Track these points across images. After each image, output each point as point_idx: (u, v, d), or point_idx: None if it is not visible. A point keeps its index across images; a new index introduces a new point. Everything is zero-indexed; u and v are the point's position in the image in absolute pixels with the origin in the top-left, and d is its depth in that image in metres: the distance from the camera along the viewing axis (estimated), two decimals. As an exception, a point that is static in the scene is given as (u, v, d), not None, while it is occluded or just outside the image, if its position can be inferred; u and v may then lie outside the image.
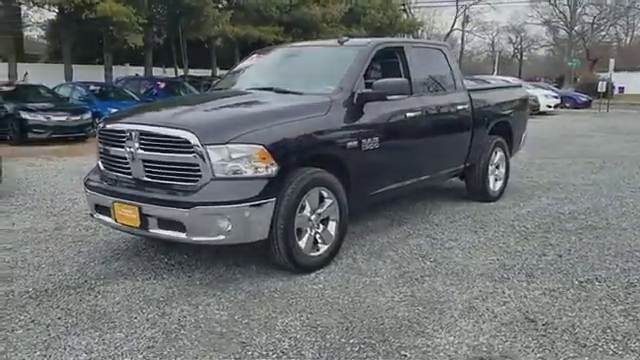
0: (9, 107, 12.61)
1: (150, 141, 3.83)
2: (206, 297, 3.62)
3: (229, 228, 3.60)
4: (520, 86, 8.16)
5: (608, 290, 3.72)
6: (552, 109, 23.98)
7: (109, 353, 2.91)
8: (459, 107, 5.73)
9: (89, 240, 4.88)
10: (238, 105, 4.55)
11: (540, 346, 2.96)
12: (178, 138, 3.69)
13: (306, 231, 3.99)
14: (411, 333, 3.12)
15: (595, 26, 52.82)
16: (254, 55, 5.95)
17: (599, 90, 27.26)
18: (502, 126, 6.46)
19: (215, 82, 8.70)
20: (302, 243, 3.94)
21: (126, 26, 19.02)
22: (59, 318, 3.32)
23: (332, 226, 4.18)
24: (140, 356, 2.88)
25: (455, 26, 55.03)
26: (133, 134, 3.91)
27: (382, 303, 3.51)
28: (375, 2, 33.01)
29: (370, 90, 4.57)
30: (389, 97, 4.69)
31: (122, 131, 4.03)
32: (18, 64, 20.81)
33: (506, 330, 3.15)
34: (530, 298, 3.59)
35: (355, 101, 4.47)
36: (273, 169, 3.70)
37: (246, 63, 5.90)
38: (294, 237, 3.85)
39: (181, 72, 27.06)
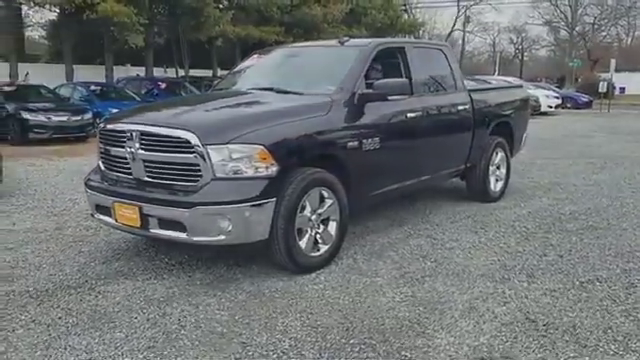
0: (10, 107, 12.62)
1: (151, 141, 3.83)
2: (207, 297, 3.62)
3: (230, 228, 3.60)
4: (521, 86, 8.15)
5: (609, 290, 3.72)
6: (553, 109, 23.98)
7: (109, 353, 2.91)
8: (460, 107, 5.73)
9: (90, 240, 4.89)
10: (239, 105, 4.55)
11: (541, 346, 2.96)
12: (179, 138, 3.69)
13: (306, 231, 3.99)
14: (412, 333, 3.11)
15: (596, 26, 52.82)
16: (255, 55, 5.96)
17: (600, 90, 27.28)
18: (503, 126, 6.45)
19: (216, 82, 8.71)
20: (302, 243, 3.94)
21: (127, 26, 19.04)
22: (60, 318, 3.32)
23: (332, 226, 4.17)
24: (140, 356, 2.88)
25: (456, 26, 55.09)
26: (134, 134, 3.91)
27: (383, 303, 3.51)
28: (376, 2, 33.02)
29: (371, 90, 4.57)
30: (390, 97, 4.69)
31: (123, 131, 4.03)
32: (19, 64, 20.82)
33: (507, 330, 3.14)
34: (531, 298, 3.59)
35: (356, 101, 4.47)
36: (273, 169, 3.70)
37: (247, 63, 5.91)
38: (294, 237, 3.85)
39: (182, 72, 27.08)
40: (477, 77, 12.74)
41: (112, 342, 3.02)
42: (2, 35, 21.06)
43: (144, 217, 3.78)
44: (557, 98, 25.41)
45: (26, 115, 12.31)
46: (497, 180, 6.42)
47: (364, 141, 4.41)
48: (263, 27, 25.72)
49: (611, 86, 29.85)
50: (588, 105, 29.33)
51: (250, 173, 3.66)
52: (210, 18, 22.09)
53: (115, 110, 9.88)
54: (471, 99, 5.89)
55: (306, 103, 4.38)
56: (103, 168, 4.31)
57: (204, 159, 3.60)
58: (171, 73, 27.12)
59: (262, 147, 3.67)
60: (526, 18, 59.17)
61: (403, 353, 2.90)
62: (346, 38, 5.45)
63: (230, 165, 3.63)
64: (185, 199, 3.65)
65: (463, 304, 3.50)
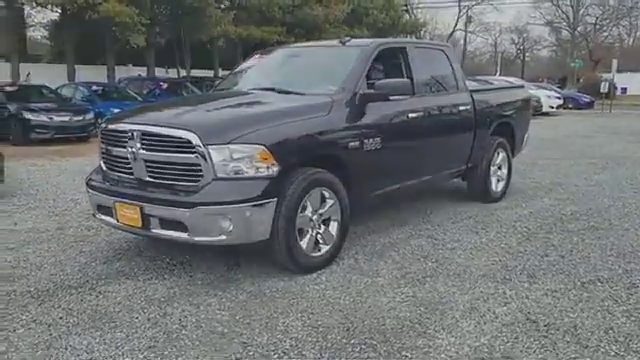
0: (12, 107, 12.64)
1: (152, 141, 3.84)
2: (207, 297, 3.62)
3: (231, 228, 3.60)
4: (522, 87, 8.14)
5: (610, 291, 3.71)
6: (555, 110, 23.98)
7: (110, 353, 2.91)
8: (461, 108, 5.73)
9: (91, 240, 4.89)
10: (240, 105, 4.55)
11: (542, 347, 2.96)
12: (180, 138, 3.69)
13: (307, 231, 3.98)
14: (412, 334, 3.11)
15: (598, 27, 52.78)
16: (256, 55, 5.96)
17: (602, 91, 27.26)
18: (504, 127, 6.45)
19: (217, 82, 8.71)
20: (303, 243, 3.94)
21: (129, 26, 19.05)
22: (60, 318, 3.32)
23: (333, 226, 4.17)
24: (141, 356, 2.88)
25: (458, 27, 55.08)
26: (135, 134, 3.91)
27: (383, 303, 3.51)
28: (377, 3, 33.03)
29: (372, 90, 4.57)
30: (391, 97, 4.68)
31: (124, 131, 4.03)
32: (21, 64, 20.84)
33: (507, 331, 3.14)
34: (532, 299, 3.58)
35: (357, 101, 4.47)
36: (274, 169, 3.70)
37: (248, 63, 5.91)
38: (296, 237, 3.85)
39: (183, 72, 27.11)
40: (478, 77, 12.72)
41: (113, 342, 3.02)
42: (4, 35, 21.09)
43: (145, 217, 3.79)
44: (559, 98, 25.42)
45: (28, 115, 12.33)
46: (498, 180, 6.41)
47: (365, 141, 4.40)
48: (265, 27, 25.73)
49: (613, 86, 29.82)
50: (590, 105, 29.29)
51: (251, 173, 3.66)
52: (212, 18, 22.10)
53: (117, 110, 9.91)
54: (472, 99, 5.89)
55: (307, 103, 4.38)
56: (105, 168, 4.32)
57: (205, 159, 3.60)
58: (172, 73, 27.16)
59: (263, 147, 3.67)
60: (528, 18, 59.27)
61: (404, 353, 2.90)
62: (347, 38, 5.45)
63: (231, 165, 3.63)
64: (186, 199, 3.65)
65: (464, 304, 3.49)
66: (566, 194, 6.80)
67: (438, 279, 3.93)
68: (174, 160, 3.76)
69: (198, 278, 3.96)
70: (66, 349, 2.95)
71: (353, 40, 5.43)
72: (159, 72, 25.87)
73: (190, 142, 3.64)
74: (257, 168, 3.66)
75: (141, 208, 3.78)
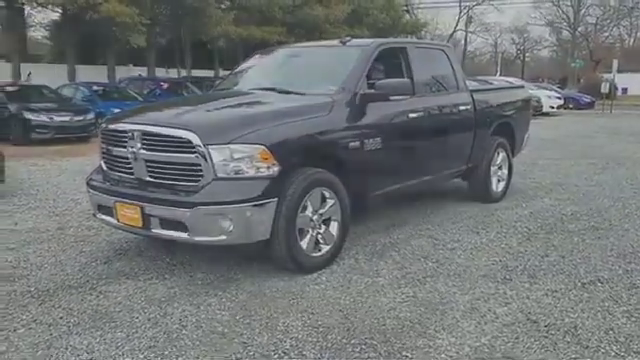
0: (12, 107, 12.65)
1: (152, 141, 3.84)
2: (208, 297, 3.62)
3: (231, 228, 3.60)
4: (523, 87, 8.14)
5: (611, 291, 3.71)
6: (555, 110, 23.98)
7: (110, 353, 2.91)
8: (461, 108, 5.73)
9: (91, 240, 4.89)
10: (240, 105, 4.55)
11: (542, 347, 2.96)
12: (180, 138, 3.69)
13: (308, 231, 3.98)
14: (413, 334, 3.11)
15: (598, 27, 52.77)
16: (256, 55, 5.97)
17: (602, 91, 27.26)
18: (504, 127, 6.45)
19: (217, 82, 8.71)
20: (304, 243, 3.94)
21: (129, 27, 19.10)
22: (61, 318, 3.32)
23: (334, 226, 4.17)
24: (141, 356, 2.88)
25: (458, 27, 55.09)
26: (135, 134, 3.91)
27: (384, 304, 3.51)
28: (378, 3, 33.07)
29: (372, 90, 4.57)
30: (392, 97, 4.68)
31: (124, 131, 4.03)
32: (21, 64, 20.88)
33: (508, 331, 3.14)
34: (532, 299, 3.58)
35: (357, 101, 4.47)
36: (275, 169, 3.70)
37: (248, 63, 5.91)
38: (296, 237, 3.85)
39: (184, 72, 27.15)
40: (479, 77, 12.73)
41: (113, 342, 3.02)
42: (5, 35, 21.10)
43: (146, 217, 3.79)
44: (559, 99, 25.42)
45: (28, 115, 12.34)
46: (499, 180, 6.41)
47: (366, 141, 4.40)
48: (265, 27, 25.75)
49: (613, 87, 29.83)
50: (590, 106, 29.29)
51: (251, 173, 3.66)
52: (212, 18, 22.13)
53: (117, 110, 9.90)
54: (473, 99, 5.89)
55: (308, 103, 4.38)
56: (105, 168, 4.32)
57: (205, 159, 3.60)
58: (173, 73, 27.19)
59: (263, 147, 3.67)
60: (528, 18, 59.21)
61: (404, 353, 2.90)
62: (348, 38, 5.45)
63: (231, 165, 3.63)
64: (186, 199, 3.65)
65: (464, 305, 3.49)
66: (566, 194, 6.80)
67: (438, 279, 3.93)
68: (174, 160, 3.76)
69: (198, 278, 3.96)
70: (66, 349, 2.95)
71: (353, 40, 5.43)
72: (159, 72, 25.90)
73: (190, 142, 3.64)
74: (257, 168, 3.66)
75: (141, 208, 3.78)
